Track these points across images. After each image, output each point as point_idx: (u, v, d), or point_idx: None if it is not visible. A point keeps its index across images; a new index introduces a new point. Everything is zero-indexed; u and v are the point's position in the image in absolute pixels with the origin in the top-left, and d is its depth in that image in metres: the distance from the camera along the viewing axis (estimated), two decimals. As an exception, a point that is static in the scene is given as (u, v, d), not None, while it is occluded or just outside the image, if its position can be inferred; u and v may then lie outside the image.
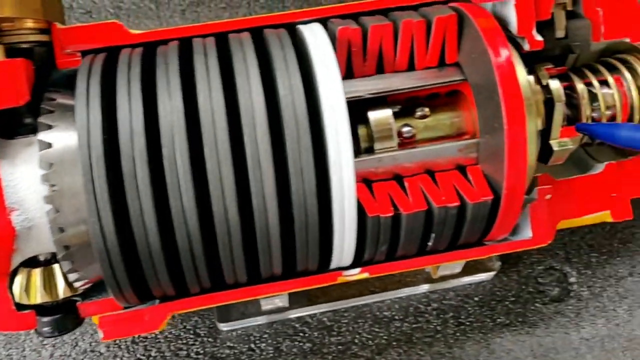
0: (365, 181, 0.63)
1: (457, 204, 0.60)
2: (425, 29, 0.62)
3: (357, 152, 0.64)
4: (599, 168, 0.71)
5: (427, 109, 0.65)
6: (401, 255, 0.65)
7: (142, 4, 0.98)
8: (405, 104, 0.66)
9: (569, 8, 0.67)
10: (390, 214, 0.59)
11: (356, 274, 0.64)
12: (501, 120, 0.57)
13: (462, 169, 0.64)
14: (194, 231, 0.55)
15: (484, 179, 0.62)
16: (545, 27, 0.67)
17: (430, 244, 0.63)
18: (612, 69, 0.69)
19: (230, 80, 0.57)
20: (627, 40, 0.69)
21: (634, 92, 0.67)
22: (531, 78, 0.63)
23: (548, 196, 0.66)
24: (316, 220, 0.57)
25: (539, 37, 0.63)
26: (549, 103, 0.65)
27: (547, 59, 0.69)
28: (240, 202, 0.56)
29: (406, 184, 0.62)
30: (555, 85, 0.65)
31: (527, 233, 0.67)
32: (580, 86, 0.67)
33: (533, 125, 0.60)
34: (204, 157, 0.55)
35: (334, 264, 0.63)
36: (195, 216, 0.55)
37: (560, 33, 0.67)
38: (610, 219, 0.71)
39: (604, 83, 0.68)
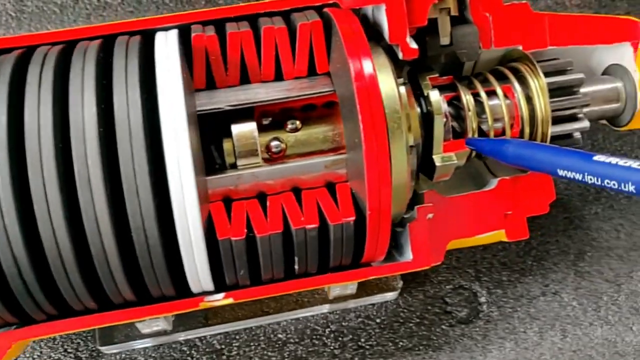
0: (226, 200, 0.58)
1: (315, 225, 0.55)
2: (288, 35, 0.58)
3: (223, 168, 0.60)
4: (493, 184, 0.66)
5: (298, 122, 0.61)
6: (269, 279, 0.60)
7: (46, 7, 0.94)
8: (278, 117, 0.61)
9: (454, 13, 0.63)
10: (242, 237, 0.55)
11: (220, 299, 0.59)
12: (360, 135, 0.53)
13: (333, 186, 0.59)
14: (20, 255, 0.51)
15: (350, 198, 0.57)
16: (431, 33, 0.63)
17: (296, 267, 0.59)
18: (502, 79, 0.64)
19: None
20: (519, 47, 0.64)
21: (523, 104, 0.63)
22: (404, 89, 0.59)
23: (430, 215, 0.62)
24: (158, 243, 0.53)
25: (413, 45, 0.58)
26: (429, 116, 0.61)
27: (449, 68, 0.64)
28: (73, 225, 0.51)
29: (268, 203, 0.58)
30: (435, 96, 0.60)
31: (408, 254, 0.62)
32: (466, 97, 0.63)
33: (401, 140, 0.56)
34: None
35: (195, 289, 0.59)
36: (20, 240, 0.51)
37: (444, 40, 0.63)
38: (505, 239, 0.67)
39: (493, 93, 0.64)
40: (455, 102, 0.63)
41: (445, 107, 0.61)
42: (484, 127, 0.63)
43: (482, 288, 0.80)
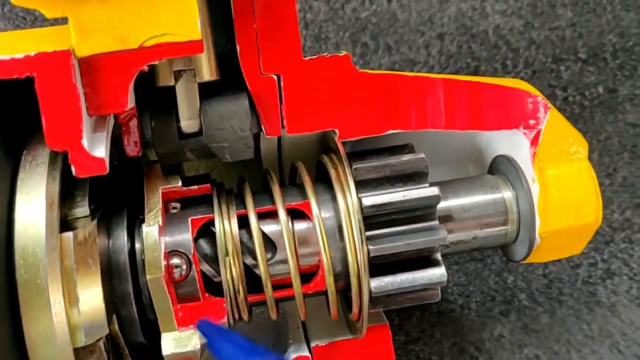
0: None
1: None
2: None
3: None
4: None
5: None
6: None
7: None
8: None
9: (209, 77, 0.36)
10: None
11: None
12: None
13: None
14: None
15: None
16: (160, 114, 0.36)
17: None
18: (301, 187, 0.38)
19: None
20: (335, 132, 0.38)
21: (324, 237, 0.36)
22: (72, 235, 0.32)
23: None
24: None
25: (99, 152, 0.32)
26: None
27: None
28: None
29: None
30: (151, 237, 0.34)
31: None
32: (223, 224, 0.37)
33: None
34: None
35: None
36: None
37: (189, 125, 0.36)
38: None
39: (274, 215, 0.37)
40: (213, 229, 0.37)
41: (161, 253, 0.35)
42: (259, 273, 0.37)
43: None
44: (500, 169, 0.41)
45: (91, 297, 0.33)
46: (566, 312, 0.58)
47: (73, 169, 0.32)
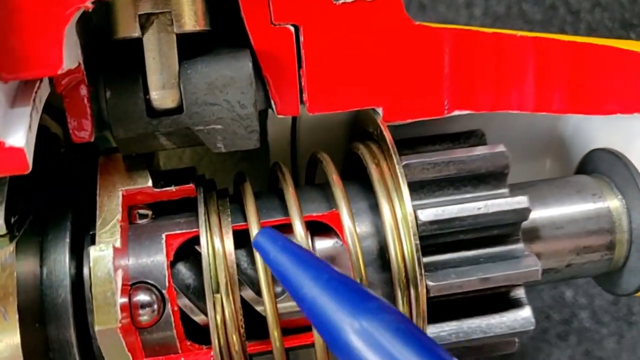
0: None
1: None
2: None
3: None
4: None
5: None
6: None
7: None
8: None
9: (192, 28, 0.24)
10: None
11: None
12: None
13: None
14: None
15: None
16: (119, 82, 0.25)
17: None
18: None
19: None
20: (378, 112, 0.26)
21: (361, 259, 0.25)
22: None
23: None
24: None
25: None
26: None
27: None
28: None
29: None
30: (99, 258, 0.23)
31: None
32: (211, 242, 0.25)
33: None
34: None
35: None
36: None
37: (160, 99, 0.24)
38: None
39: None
40: (197, 249, 0.26)
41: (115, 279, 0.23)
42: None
43: None
44: (601, 168, 0.30)
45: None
46: (637, 337, 0.47)
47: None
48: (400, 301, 0.25)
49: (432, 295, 0.25)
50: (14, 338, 0.21)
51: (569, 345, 0.48)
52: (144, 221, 0.27)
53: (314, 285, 0.21)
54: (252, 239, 0.25)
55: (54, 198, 0.26)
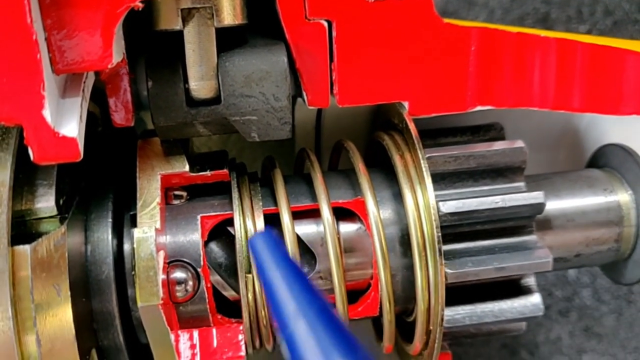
0: None
1: None
2: None
3: None
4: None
5: None
6: None
7: None
8: None
9: (230, 22, 0.26)
10: None
11: None
12: None
13: None
14: None
15: None
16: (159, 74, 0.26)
17: None
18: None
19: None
20: (404, 106, 0.27)
21: (383, 250, 0.27)
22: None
23: None
24: None
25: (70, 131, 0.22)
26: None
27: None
28: None
29: None
30: (143, 241, 0.24)
31: None
32: (244, 224, 0.27)
33: None
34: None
35: None
36: None
37: (200, 89, 0.26)
38: None
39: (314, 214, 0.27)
40: (230, 230, 0.27)
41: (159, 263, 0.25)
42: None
43: None
44: (613, 162, 0.31)
45: (56, 333, 0.23)
46: (635, 315, 0.49)
47: (30, 152, 0.22)
48: (419, 286, 0.27)
49: (449, 282, 0.26)
50: (67, 312, 0.23)
51: (570, 321, 0.50)
52: (179, 202, 0.28)
53: (300, 318, 0.19)
54: (284, 225, 0.26)
55: (95, 178, 0.28)
